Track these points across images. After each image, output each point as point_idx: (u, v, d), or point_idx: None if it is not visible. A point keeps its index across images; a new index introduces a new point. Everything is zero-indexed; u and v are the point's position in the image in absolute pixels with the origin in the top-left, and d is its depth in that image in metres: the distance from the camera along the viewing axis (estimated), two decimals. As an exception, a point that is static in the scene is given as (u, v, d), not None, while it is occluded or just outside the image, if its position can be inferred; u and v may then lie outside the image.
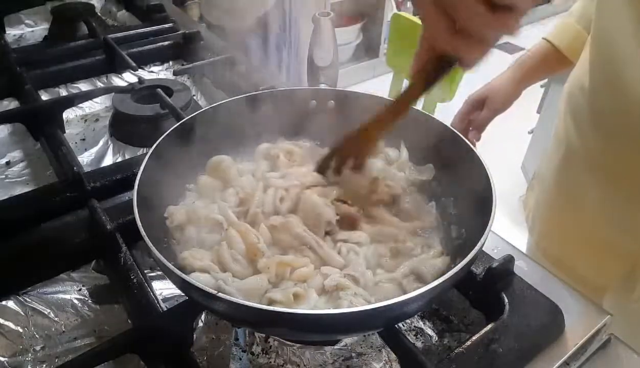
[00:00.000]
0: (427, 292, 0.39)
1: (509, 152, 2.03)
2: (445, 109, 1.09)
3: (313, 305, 0.44)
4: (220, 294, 0.36)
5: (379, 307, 0.38)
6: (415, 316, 0.54)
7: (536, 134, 1.90)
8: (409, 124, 0.61)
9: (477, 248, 0.41)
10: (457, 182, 0.56)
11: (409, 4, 2.82)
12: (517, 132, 2.04)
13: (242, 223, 0.51)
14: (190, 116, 0.59)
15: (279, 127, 0.65)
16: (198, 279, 0.44)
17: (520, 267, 0.53)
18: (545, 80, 1.83)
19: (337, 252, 0.49)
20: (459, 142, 0.54)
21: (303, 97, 0.66)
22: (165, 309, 0.47)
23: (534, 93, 1.91)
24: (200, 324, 0.51)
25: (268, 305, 0.43)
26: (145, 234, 0.42)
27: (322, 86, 0.66)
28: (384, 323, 0.43)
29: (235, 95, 0.65)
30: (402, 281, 0.46)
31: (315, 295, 0.45)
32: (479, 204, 0.47)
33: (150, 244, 0.41)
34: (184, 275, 0.39)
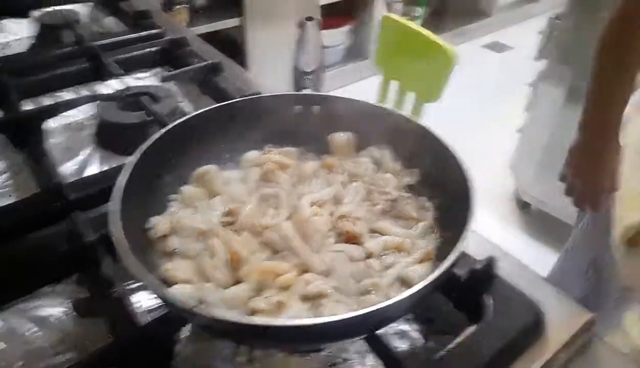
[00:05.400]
0: (408, 298, 0.39)
1: (497, 151, 2.04)
2: (433, 109, 1.09)
3: (296, 314, 0.43)
4: (195, 309, 0.36)
5: (360, 315, 0.38)
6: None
7: (525, 132, 1.91)
8: (391, 126, 0.61)
9: (456, 252, 0.41)
10: (440, 185, 0.56)
11: (398, 6, 2.82)
12: (506, 130, 2.05)
13: (225, 231, 0.51)
14: (173, 124, 0.59)
15: (265, 133, 0.65)
16: (181, 291, 0.44)
17: (503, 268, 0.53)
18: (534, 78, 1.84)
19: (321, 260, 0.49)
20: (440, 145, 0.54)
21: (288, 103, 0.66)
22: (148, 321, 0.46)
23: (522, 91, 1.92)
24: (185, 335, 0.51)
25: (251, 314, 0.43)
26: (122, 246, 0.41)
27: (307, 91, 0.66)
28: (366, 330, 0.43)
29: (221, 101, 0.65)
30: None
31: (299, 303, 0.45)
32: (461, 207, 0.48)
33: (127, 257, 0.40)
34: (161, 289, 0.39)
